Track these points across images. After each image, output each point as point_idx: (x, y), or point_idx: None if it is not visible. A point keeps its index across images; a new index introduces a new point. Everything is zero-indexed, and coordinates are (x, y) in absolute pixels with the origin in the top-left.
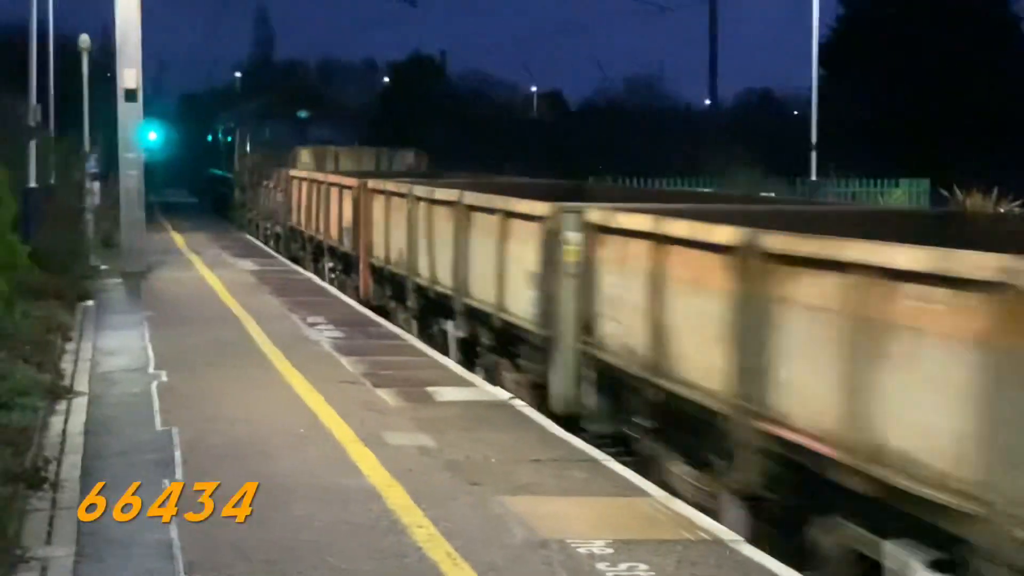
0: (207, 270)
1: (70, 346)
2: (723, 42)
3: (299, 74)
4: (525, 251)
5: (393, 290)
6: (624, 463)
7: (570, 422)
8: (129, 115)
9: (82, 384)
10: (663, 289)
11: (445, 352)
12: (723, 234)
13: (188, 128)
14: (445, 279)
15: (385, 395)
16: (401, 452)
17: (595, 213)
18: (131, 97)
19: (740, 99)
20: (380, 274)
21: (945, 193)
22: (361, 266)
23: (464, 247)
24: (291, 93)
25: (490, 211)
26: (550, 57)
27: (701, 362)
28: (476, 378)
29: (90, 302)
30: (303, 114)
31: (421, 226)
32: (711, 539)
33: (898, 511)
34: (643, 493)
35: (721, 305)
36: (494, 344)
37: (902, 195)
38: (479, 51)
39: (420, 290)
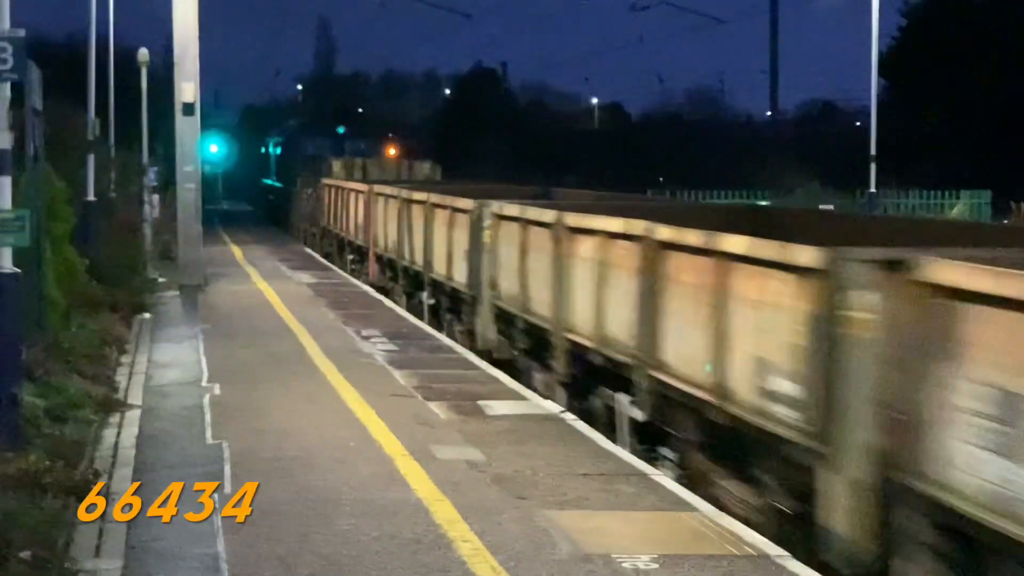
0: (264, 283)
1: (125, 359)
2: (785, 53)
3: (360, 87)
4: (462, 235)
5: (391, 272)
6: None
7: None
8: (187, 128)
9: (136, 397)
10: (526, 255)
11: (420, 316)
12: (548, 216)
13: (249, 140)
14: (419, 260)
15: (436, 408)
16: (449, 466)
17: (496, 206)
18: (189, 111)
19: (801, 110)
20: (381, 260)
21: (1013, 205)
22: (370, 255)
23: (430, 236)
24: (333, 110)
25: (443, 207)
26: (610, 69)
27: (541, 299)
28: (528, 392)
29: (147, 315)
30: (341, 130)
31: (406, 221)
32: (757, 555)
33: (617, 375)
34: (691, 508)
35: (548, 262)
36: (449, 306)
37: (963, 207)
38: (539, 63)
39: (406, 271)
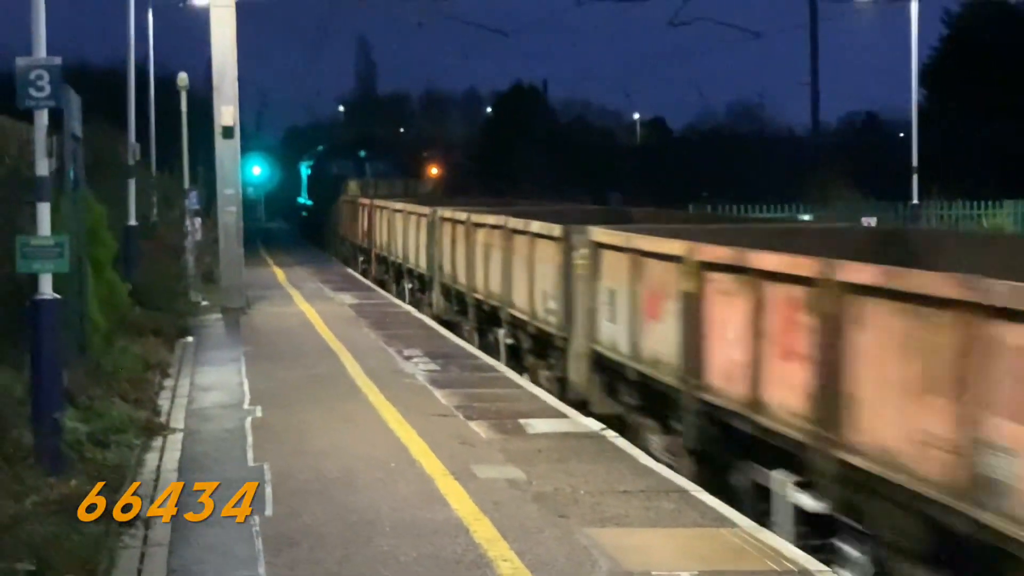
0: (306, 304)
1: (168, 382)
2: (826, 64)
3: (401, 106)
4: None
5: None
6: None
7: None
8: (227, 152)
9: (178, 420)
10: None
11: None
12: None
13: (290, 161)
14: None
15: (477, 427)
16: (490, 485)
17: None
18: (228, 134)
19: (844, 122)
20: (381, 259)
21: None
22: (372, 256)
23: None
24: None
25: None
26: (651, 84)
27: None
28: (569, 409)
29: (190, 338)
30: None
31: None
32: (798, 570)
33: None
34: (731, 524)
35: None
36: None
37: (1006, 216)
38: (579, 80)
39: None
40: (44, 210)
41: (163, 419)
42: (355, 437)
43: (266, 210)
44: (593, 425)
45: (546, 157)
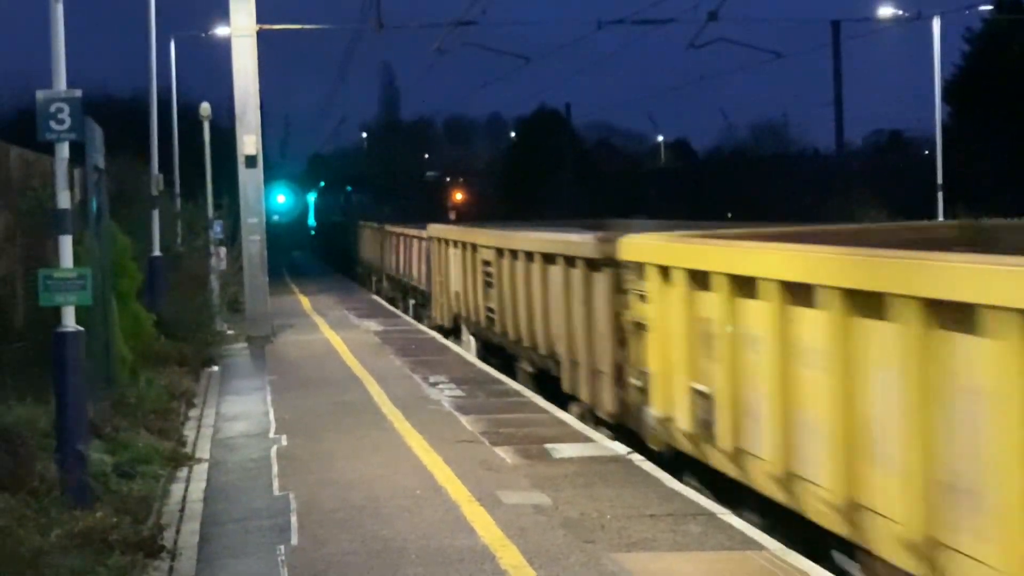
0: (331, 332)
1: (193, 412)
2: (849, 84)
3: (426, 132)
4: (415, 253)
5: (386, 282)
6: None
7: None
8: (250, 181)
9: (203, 451)
10: (448, 258)
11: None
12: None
13: (312, 189)
14: (376, 265)
15: (503, 453)
16: (516, 511)
17: (436, 229)
18: (251, 163)
19: (868, 141)
20: (381, 274)
21: None
22: (384, 276)
23: (387, 252)
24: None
25: (400, 235)
26: (674, 107)
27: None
28: (595, 433)
29: (215, 368)
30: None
31: (382, 244)
32: None
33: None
34: (759, 547)
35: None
36: (414, 299)
37: None
38: (602, 103)
39: (389, 278)
40: (66, 242)
41: (188, 449)
42: (381, 465)
43: (290, 239)
44: (619, 449)
45: (571, 181)
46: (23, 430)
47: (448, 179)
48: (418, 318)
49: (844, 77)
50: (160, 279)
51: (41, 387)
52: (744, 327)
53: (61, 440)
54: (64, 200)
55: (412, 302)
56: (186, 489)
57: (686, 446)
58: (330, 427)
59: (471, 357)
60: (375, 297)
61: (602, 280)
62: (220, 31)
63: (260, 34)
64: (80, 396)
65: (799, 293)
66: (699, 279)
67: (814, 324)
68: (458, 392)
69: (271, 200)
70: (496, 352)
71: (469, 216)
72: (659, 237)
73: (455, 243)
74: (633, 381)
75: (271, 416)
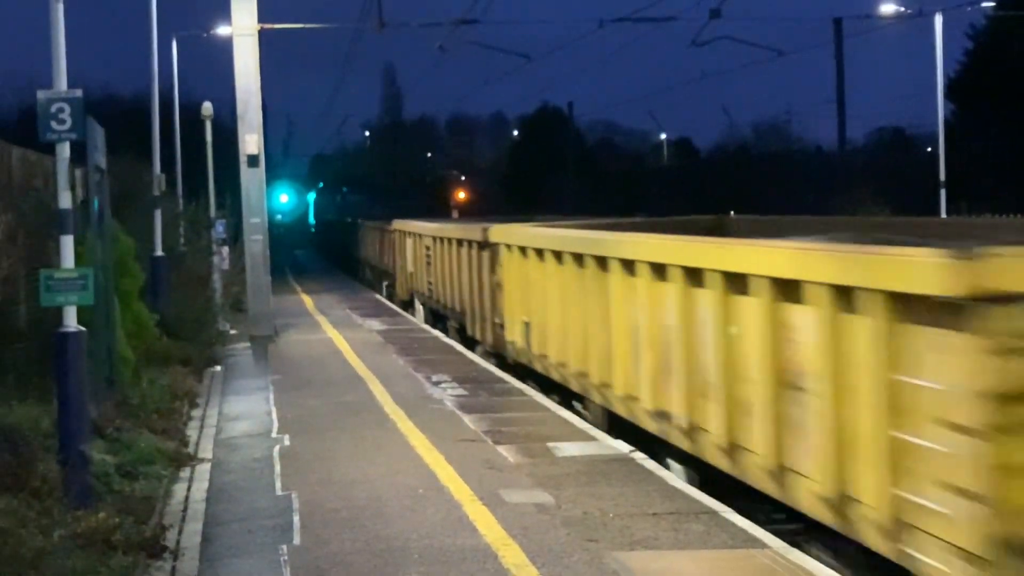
0: (334, 331)
1: (196, 412)
2: (851, 81)
3: (428, 130)
4: (386, 244)
5: (368, 271)
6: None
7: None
8: (252, 180)
9: (206, 451)
10: (406, 245)
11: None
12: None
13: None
14: (360, 255)
15: (505, 452)
16: (518, 510)
17: (398, 223)
18: (253, 162)
19: (871, 138)
20: (365, 264)
21: None
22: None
23: (365, 244)
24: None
25: (376, 229)
26: (676, 105)
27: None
28: (598, 432)
29: (218, 367)
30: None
31: (364, 238)
32: None
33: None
34: (762, 545)
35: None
36: (387, 282)
37: None
38: (605, 101)
39: (370, 266)
40: (67, 243)
41: (191, 449)
42: (383, 464)
43: (293, 238)
44: (622, 448)
45: (573, 178)
46: (25, 430)
47: (449, 177)
48: (390, 297)
49: (846, 74)
50: (163, 279)
51: (44, 387)
52: (541, 280)
53: (63, 440)
54: (65, 200)
55: (385, 283)
56: (189, 489)
57: (522, 358)
58: (333, 427)
59: (474, 356)
60: (378, 296)
61: (485, 257)
62: (222, 30)
63: (262, 33)
64: (82, 396)
65: (560, 257)
66: (524, 252)
67: (564, 276)
68: (461, 391)
69: (274, 200)
70: (437, 317)
71: (471, 214)
72: (507, 227)
73: (409, 234)
74: (498, 321)
75: (274, 416)
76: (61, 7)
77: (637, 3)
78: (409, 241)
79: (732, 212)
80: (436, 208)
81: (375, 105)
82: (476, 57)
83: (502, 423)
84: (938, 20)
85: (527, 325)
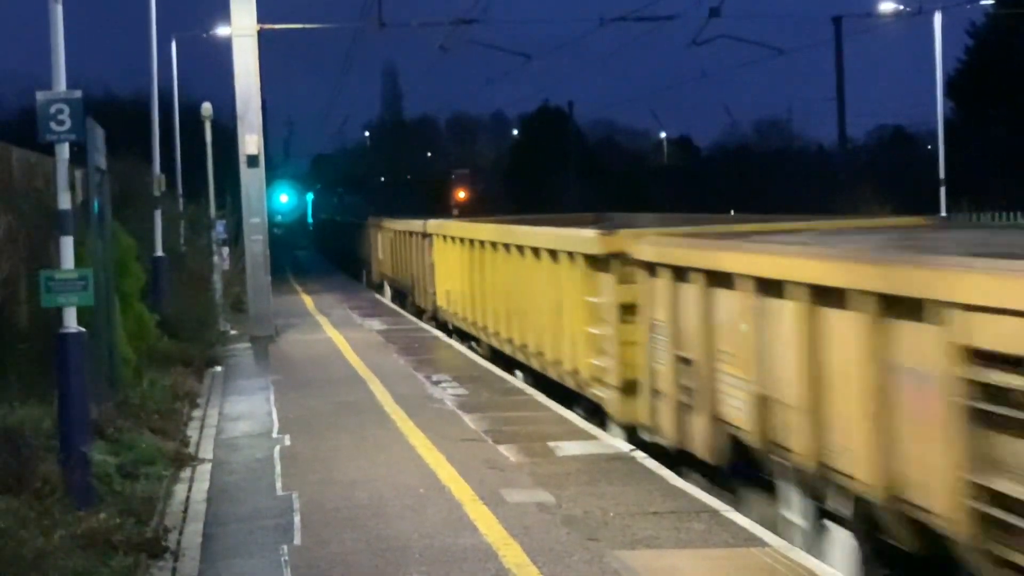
0: (335, 331)
1: (197, 413)
2: (852, 79)
3: (429, 130)
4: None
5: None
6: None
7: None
8: (252, 180)
9: (207, 451)
10: (392, 242)
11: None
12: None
13: (315, 189)
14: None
15: (506, 451)
16: (519, 509)
17: (372, 220)
18: (253, 163)
19: (871, 136)
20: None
21: None
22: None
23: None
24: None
25: (357, 226)
26: (677, 103)
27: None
28: (598, 431)
29: (218, 368)
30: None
31: (350, 234)
32: None
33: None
34: (762, 543)
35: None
36: (366, 270)
37: None
38: (605, 101)
39: (356, 259)
40: (67, 243)
41: (192, 450)
42: (384, 464)
43: (295, 238)
44: (623, 446)
45: (574, 178)
46: (27, 431)
47: (449, 177)
48: (369, 283)
49: (846, 73)
50: (163, 279)
51: (45, 388)
52: (456, 260)
53: (64, 441)
54: (65, 201)
55: (364, 271)
56: (189, 489)
57: (446, 317)
58: (334, 427)
59: (474, 356)
60: (378, 296)
61: (425, 244)
62: (221, 31)
63: (262, 34)
64: (83, 397)
65: (480, 245)
66: (448, 240)
67: (467, 255)
68: (461, 390)
69: (274, 200)
70: (400, 295)
71: (472, 213)
72: (438, 220)
73: (381, 228)
74: (431, 291)
75: (274, 416)
76: (60, 8)
77: (637, 2)
78: (380, 234)
79: (732, 211)
80: (436, 208)
81: (375, 105)
82: (476, 57)
83: (503, 422)
84: (938, 18)
85: (449, 293)
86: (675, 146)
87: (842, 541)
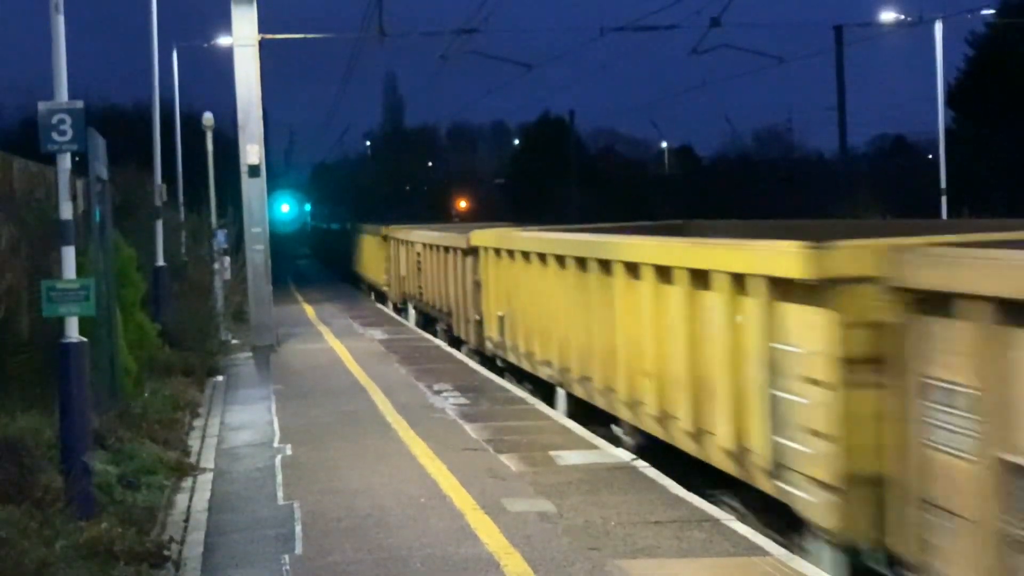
0: (336, 341)
1: (198, 422)
2: (852, 89)
3: (430, 139)
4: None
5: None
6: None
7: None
8: (253, 190)
9: (208, 460)
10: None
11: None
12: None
13: (315, 199)
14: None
15: (507, 461)
16: (521, 519)
17: (385, 229)
18: (254, 172)
19: (872, 145)
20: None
21: None
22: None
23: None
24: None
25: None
26: (678, 113)
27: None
28: (600, 440)
29: (220, 377)
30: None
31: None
32: None
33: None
34: (763, 552)
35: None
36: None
37: None
38: (606, 110)
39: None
40: (69, 253)
41: (193, 459)
42: (386, 474)
43: (296, 247)
44: (624, 456)
45: (575, 187)
46: (28, 441)
47: (449, 186)
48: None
49: (847, 82)
50: (164, 289)
51: (46, 398)
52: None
53: (66, 451)
54: (66, 211)
55: (372, 291)
56: (191, 499)
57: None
58: (335, 436)
59: (475, 365)
60: (379, 306)
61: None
62: (223, 41)
63: (263, 44)
64: (84, 407)
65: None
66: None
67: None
68: (463, 400)
69: (275, 209)
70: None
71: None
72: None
73: (365, 231)
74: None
75: (276, 425)
76: (62, 18)
77: (638, 12)
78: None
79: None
80: (434, 216)
81: (377, 114)
82: (477, 66)
83: (504, 432)
84: (938, 27)
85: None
86: (676, 155)
87: None
